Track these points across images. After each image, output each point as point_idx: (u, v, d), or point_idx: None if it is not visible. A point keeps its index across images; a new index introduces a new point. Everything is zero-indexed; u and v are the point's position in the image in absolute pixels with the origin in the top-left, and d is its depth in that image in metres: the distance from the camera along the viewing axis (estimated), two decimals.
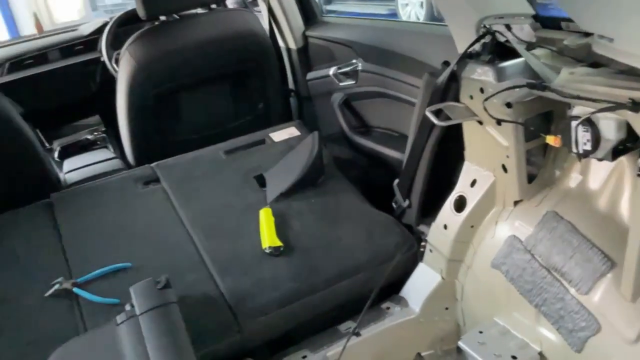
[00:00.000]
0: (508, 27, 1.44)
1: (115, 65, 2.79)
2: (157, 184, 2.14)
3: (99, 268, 1.74)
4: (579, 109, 1.19)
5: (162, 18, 2.49)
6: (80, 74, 3.22)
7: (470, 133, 1.55)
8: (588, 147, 1.15)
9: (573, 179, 1.39)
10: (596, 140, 1.14)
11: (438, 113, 1.52)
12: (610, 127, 1.12)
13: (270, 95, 2.78)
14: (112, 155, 2.85)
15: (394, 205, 1.95)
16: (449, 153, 1.71)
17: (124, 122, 2.47)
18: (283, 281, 1.71)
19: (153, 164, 2.23)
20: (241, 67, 2.64)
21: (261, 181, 2.13)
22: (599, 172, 1.33)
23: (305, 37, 2.77)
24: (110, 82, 2.72)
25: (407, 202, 1.86)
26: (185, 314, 1.51)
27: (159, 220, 1.98)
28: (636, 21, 0.99)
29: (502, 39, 1.43)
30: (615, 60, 1.11)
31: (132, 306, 1.54)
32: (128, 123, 2.44)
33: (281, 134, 2.39)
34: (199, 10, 2.69)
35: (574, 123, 1.17)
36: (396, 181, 1.92)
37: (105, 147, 3.11)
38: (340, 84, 2.55)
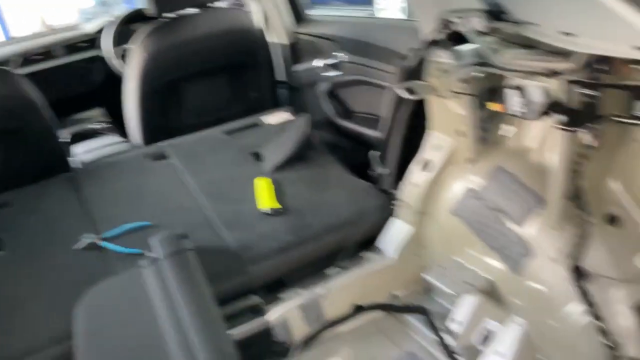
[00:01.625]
0: (465, 19, 1.78)
1: (120, 61, 3.09)
2: (166, 160, 2.44)
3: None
4: (515, 81, 1.53)
5: (166, 16, 2.80)
6: (84, 69, 3.51)
7: (433, 106, 1.89)
8: (521, 109, 1.49)
9: (515, 140, 1.74)
10: (526, 103, 1.48)
11: (409, 92, 1.86)
12: (536, 93, 1.46)
13: (262, 86, 3.10)
14: (121, 139, 3.14)
15: (372, 173, 2.28)
16: (417, 127, 2.04)
17: (134, 107, 2.77)
18: (280, 234, 2.03)
19: (161, 143, 2.53)
20: (237, 60, 2.96)
21: (257, 156, 2.45)
22: (534, 132, 1.67)
23: (294, 34, 3.10)
24: (112, 77, 3.02)
25: (383, 169, 2.19)
26: (199, 259, 1.83)
27: (169, 188, 2.28)
28: (552, 9, 1.33)
29: (459, 29, 1.77)
30: (541, 41, 1.45)
31: (156, 253, 1.85)
32: (137, 108, 2.75)
33: (275, 118, 2.73)
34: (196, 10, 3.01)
35: (510, 91, 1.51)
36: (371, 152, 2.25)
37: (113, 133, 3.39)
38: (326, 74, 2.88)
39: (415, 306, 1.96)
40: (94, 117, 3.72)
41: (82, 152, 3.01)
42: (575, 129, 1.36)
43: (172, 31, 2.76)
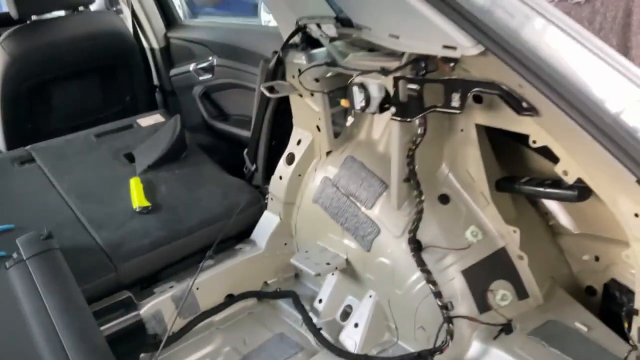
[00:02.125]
0: (319, 25, 1.96)
1: None
2: (33, 163, 2.39)
3: None
4: (358, 79, 1.72)
5: (34, 18, 2.73)
6: None
7: (295, 104, 2.05)
8: (363, 104, 1.68)
9: (363, 132, 1.94)
10: (367, 99, 1.67)
11: (271, 91, 2.01)
12: (375, 89, 1.65)
13: (137, 89, 3.11)
14: None
15: (245, 170, 2.40)
16: (284, 125, 2.19)
17: None
18: (152, 230, 2.08)
19: (27, 147, 2.47)
20: (107, 63, 2.95)
21: (131, 158, 2.47)
22: (379, 125, 1.88)
23: (167, 38, 3.15)
24: None
25: (254, 166, 2.32)
26: (66, 260, 1.83)
27: (36, 191, 2.24)
28: (381, 14, 1.53)
29: (314, 34, 1.94)
30: (375, 43, 1.65)
31: (19, 254, 1.83)
32: (0, 113, 2.64)
33: (148, 120, 2.75)
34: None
35: (354, 88, 1.69)
36: (245, 150, 2.37)
37: None
38: (200, 78, 2.96)
39: (285, 291, 2.09)
40: None
41: None
42: (405, 119, 1.57)
43: (36, 33, 2.70)
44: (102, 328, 1.75)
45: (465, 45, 1.26)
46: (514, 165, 1.79)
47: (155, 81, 3.31)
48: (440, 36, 1.31)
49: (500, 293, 1.65)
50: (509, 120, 1.50)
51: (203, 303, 2.02)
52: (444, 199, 1.75)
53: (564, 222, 1.83)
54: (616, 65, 1.17)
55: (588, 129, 1.13)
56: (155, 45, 3.16)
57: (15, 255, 1.81)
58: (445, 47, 1.32)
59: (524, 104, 1.33)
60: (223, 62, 2.79)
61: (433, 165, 1.77)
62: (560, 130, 1.30)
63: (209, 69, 2.89)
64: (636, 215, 1.20)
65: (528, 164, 1.72)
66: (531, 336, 1.58)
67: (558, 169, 1.46)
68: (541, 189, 1.60)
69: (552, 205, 1.84)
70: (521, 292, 1.68)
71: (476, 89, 1.40)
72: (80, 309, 1.68)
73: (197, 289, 2.00)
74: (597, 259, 1.71)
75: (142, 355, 1.84)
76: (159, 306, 1.92)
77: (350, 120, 1.76)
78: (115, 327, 1.84)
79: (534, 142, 1.47)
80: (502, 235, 1.70)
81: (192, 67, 2.98)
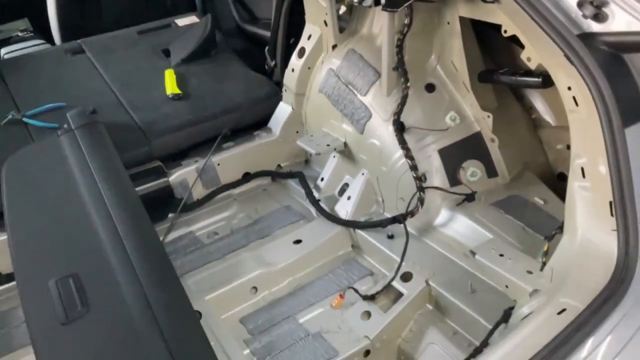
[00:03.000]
0: None
1: None
2: (83, 54, 2.72)
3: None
4: None
5: None
6: None
7: (307, 1, 2.24)
8: None
9: (365, 27, 2.13)
10: None
11: None
12: None
13: None
14: (43, 41, 3.35)
15: (266, 67, 2.65)
16: (301, 22, 2.40)
17: (53, 11, 2.99)
18: (181, 114, 2.39)
19: (79, 40, 2.79)
20: None
21: (167, 53, 2.76)
22: (379, 20, 2.06)
23: None
24: None
25: (273, 62, 2.56)
26: (109, 133, 2.17)
27: (85, 78, 2.58)
28: None
29: None
30: None
31: (69, 125, 2.18)
32: (56, 9, 2.97)
33: (184, 20, 3.01)
34: None
35: None
36: (266, 48, 2.61)
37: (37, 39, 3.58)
38: None
39: (294, 172, 2.38)
40: (17, 27, 3.88)
41: (5, 53, 3.21)
42: (393, 9, 1.75)
43: None
44: (137, 189, 2.09)
45: None
46: (500, 58, 1.95)
47: None
48: None
49: (471, 170, 1.87)
50: (484, 12, 1.66)
51: (223, 177, 2.35)
52: (430, 87, 1.96)
53: (544, 115, 2.00)
54: None
55: (527, 10, 1.30)
56: None
57: (65, 125, 2.17)
58: None
59: None
60: None
61: (422, 56, 1.96)
62: (518, 16, 1.46)
63: None
64: (569, 88, 1.38)
65: (511, 56, 1.88)
66: (492, 206, 1.82)
67: (523, 56, 1.63)
68: (513, 78, 1.78)
69: (535, 100, 2.01)
70: (491, 171, 1.90)
71: None
72: (119, 170, 2.03)
73: (218, 164, 2.33)
74: (568, 147, 1.89)
75: (170, 215, 2.20)
76: (185, 176, 2.26)
77: (342, 9, 1.95)
78: (149, 190, 2.20)
79: (505, 31, 1.63)
80: (478, 120, 1.90)
81: None
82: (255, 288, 1.86)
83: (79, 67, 2.63)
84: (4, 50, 3.32)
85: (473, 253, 1.66)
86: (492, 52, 1.98)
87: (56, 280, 1.61)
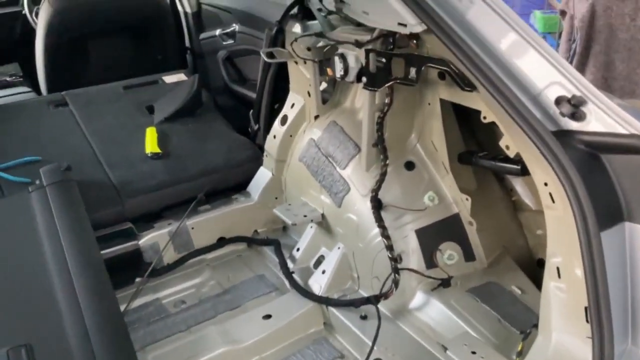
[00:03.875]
0: None
1: (35, 18, 3.28)
2: (66, 107, 2.70)
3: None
4: (340, 50, 1.90)
5: None
6: (3, 24, 3.66)
7: (291, 70, 2.25)
8: (342, 73, 1.86)
9: (348, 100, 2.13)
10: (346, 68, 1.85)
11: (271, 56, 2.21)
12: (352, 60, 1.83)
13: (168, 49, 3.38)
14: (29, 90, 3.34)
15: (249, 130, 2.63)
16: (286, 88, 2.39)
17: (41, 61, 2.99)
18: (158, 174, 2.35)
19: (63, 92, 2.78)
20: (142, 23, 3.22)
21: (151, 110, 2.74)
22: (361, 95, 2.06)
23: (198, 3, 3.38)
24: (29, 34, 3.20)
25: (257, 126, 2.54)
26: (81, 191, 2.12)
27: (64, 132, 2.54)
28: None
29: (312, 6, 2.12)
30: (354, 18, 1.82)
31: (41, 181, 2.13)
32: (44, 61, 2.97)
33: (172, 78, 3.01)
34: None
35: (336, 58, 1.88)
36: (251, 111, 2.59)
37: (23, 86, 3.58)
38: (224, 42, 3.19)
39: (270, 239, 2.32)
40: (7, 71, 3.89)
41: None
42: (374, 88, 1.75)
43: None
44: (104, 251, 2.02)
45: (412, 23, 1.43)
46: (482, 139, 1.94)
47: (187, 43, 3.56)
48: (395, 14, 1.48)
49: (448, 253, 1.82)
50: (463, 97, 1.66)
51: (197, 242, 2.28)
52: (410, 165, 1.93)
53: (524, 198, 1.97)
54: (541, 51, 1.31)
55: (502, 103, 1.28)
56: (188, 9, 3.39)
57: (37, 182, 2.12)
58: (400, 24, 1.49)
59: (466, 81, 1.49)
60: (244, 29, 3.00)
61: (403, 134, 1.95)
62: (494, 106, 1.45)
63: (232, 35, 3.11)
64: (545, 184, 1.35)
65: (492, 139, 1.87)
66: (468, 293, 1.76)
67: (502, 144, 1.61)
68: (492, 163, 1.76)
69: (516, 182, 1.99)
70: (468, 255, 1.85)
71: (428, 64, 1.57)
72: (85, 231, 1.96)
73: (193, 228, 2.27)
74: None
75: (137, 279, 2.12)
76: (157, 239, 2.19)
77: (323, 85, 1.94)
78: (117, 252, 2.12)
79: (484, 117, 1.62)
80: (457, 202, 1.87)
81: (218, 32, 3.21)
82: None
83: (60, 120, 2.60)
84: None
85: (445, 348, 1.59)
86: (474, 133, 1.97)
87: (8, 350, 1.53)
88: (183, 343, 1.84)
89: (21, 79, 3.78)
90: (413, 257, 1.83)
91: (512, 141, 1.53)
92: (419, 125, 1.93)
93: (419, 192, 1.89)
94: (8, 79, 3.71)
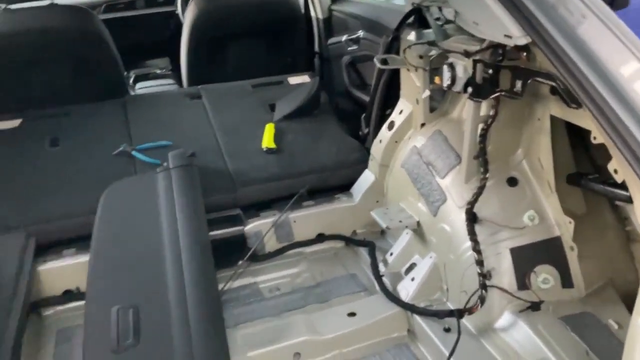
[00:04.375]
0: (440, 8, 2.14)
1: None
2: (200, 100, 2.98)
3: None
4: (449, 59, 1.89)
5: None
6: (159, 22, 4.12)
7: (403, 77, 2.28)
8: (449, 82, 1.86)
9: (456, 111, 2.11)
10: (453, 78, 1.84)
11: (384, 63, 2.26)
12: (460, 70, 1.82)
13: (298, 53, 3.57)
14: (173, 82, 3.73)
15: (360, 133, 2.70)
16: (397, 95, 2.43)
17: (184, 56, 3.32)
18: (270, 167, 2.51)
19: (199, 86, 3.07)
20: (276, 28, 3.45)
21: (273, 108, 2.92)
22: (467, 106, 2.03)
23: (330, 10, 3.53)
24: (180, 31, 3.56)
25: (367, 130, 2.61)
26: (201, 176, 2.34)
27: (194, 121, 2.81)
28: (466, 4, 1.69)
29: (428, 15, 2.13)
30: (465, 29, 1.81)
31: (167, 164, 2.38)
32: (187, 56, 3.30)
33: (296, 79, 3.19)
34: None
35: (445, 67, 1.88)
36: (363, 115, 2.66)
37: (170, 79, 4.00)
38: (348, 48, 3.30)
39: (367, 241, 2.37)
40: (159, 64, 4.36)
41: (139, 88, 3.61)
42: (479, 99, 1.72)
43: None
44: (212, 233, 2.21)
45: (516, 35, 1.39)
46: (596, 161, 1.83)
47: (316, 48, 3.73)
48: (501, 26, 1.45)
49: (543, 276, 1.74)
50: (574, 115, 1.58)
51: (298, 234, 2.40)
52: (512, 181, 1.87)
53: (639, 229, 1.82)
54: None
55: (606, 129, 1.21)
56: (320, 16, 3.56)
57: (165, 164, 2.38)
58: (506, 36, 1.46)
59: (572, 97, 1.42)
60: (367, 36, 3.08)
61: (508, 148, 1.89)
62: (598, 127, 1.37)
63: (356, 41, 3.21)
64: None
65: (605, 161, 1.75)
66: (559, 320, 1.66)
67: (610, 167, 1.51)
68: (601, 187, 1.65)
69: (630, 211, 1.84)
70: (566, 281, 1.75)
71: (535, 78, 1.52)
72: (198, 212, 2.17)
73: (295, 221, 2.39)
74: None
75: (240, 262, 2.28)
76: (261, 227, 2.34)
77: (426, 93, 1.94)
78: (224, 235, 2.30)
79: (594, 138, 1.53)
80: (559, 224, 1.77)
81: (344, 38, 3.32)
82: (298, 354, 1.85)
83: (193, 111, 2.88)
84: (138, 85, 3.73)
85: None
86: (590, 154, 1.85)
87: (118, 308, 1.75)
88: (271, 326, 1.95)
89: (170, 72, 4.21)
90: (505, 275, 1.78)
91: (619, 166, 1.43)
92: (527, 141, 1.86)
93: (518, 209, 1.83)
94: (158, 71, 4.15)
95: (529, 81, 1.54)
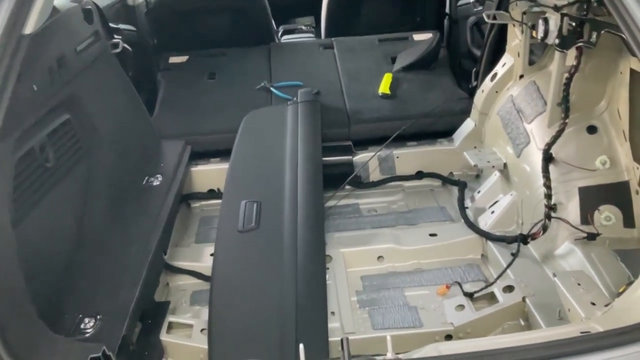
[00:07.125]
0: None
1: None
2: (331, 50, 3.41)
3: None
4: (545, 14, 2.07)
5: None
6: None
7: (509, 32, 2.47)
8: (542, 35, 2.05)
9: (552, 64, 2.27)
10: (546, 31, 2.03)
11: (493, 18, 2.48)
12: (553, 23, 2.00)
13: (428, 13, 3.82)
14: (314, 37, 4.20)
15: (469, 86, 2.94)
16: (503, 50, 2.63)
17: (324, 12, 3.76)
18: (382, 109, 2.87)
19: (332, 38, 3.49)
20: None
21: (394, 60, 3.25)
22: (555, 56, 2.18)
23: None
24: None
25: (475, 82, 2.84)
26: (322, 111, 2.77)
27: (325, 67, 3.25)
28: None
29: None
30: None
31: (297, 99, 2.86)
32: (327, 12, 3.73)
33: (420, 36, 3.47)
34: None
35: (540, 21, 2.07)
36: (474, 69, 2.89)
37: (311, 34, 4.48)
38: (475, 10, 3.47)
39: (459, 180, 2.64)
40: (305, 22, 4.85)
41: (284, 39, 4.14)
42: (563, 50, 1.91)
43: None
44: (326, 158, 2.63)
45: None
46: None
47: (447, 9, 3.93)
48: None
49: (606, 214, 1.91)
50: None
51: (399, 169, 2.74)
52: (592, 129, 2.03)
53: None
54: None
55: None
56: None
57: (295, 99, 2.85)
58: None
59: None
60: None
61: (592, 99, 2.05)
62: None
63: (482, 2, 3.37)
64: None
65: None
66: (612, 251, 1.84)
67: None
68: None
69: None
70: (628, 221, 1.90)
71: (606, 29, 1.69)
72: (316, 140, 2.62)
73: (398, 157, 2.73)
74: None
75: (347, 186, 2.69)
76: (367, 159, 2.72)
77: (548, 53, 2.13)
78: (336, 162, 2.72)
79: None
80: (628, 170, 1.92)
81: None
82: (382, 257, 2.23)
83: (324, 59, 3.33)
84: (284, 37, 4.26)
85: (554, 274, 1.76)
86: None
87: (246, 202, 2.27)
88: (362, 234, 2.35)
89: (313, 29, 4.68)
90: (570, 210, 1.97)
91: None
92: (610, 92, 2.01)
93: (593, 154, 1.99)
94: (303, 27, 4.64)
95: (602, 32, 1.71)
